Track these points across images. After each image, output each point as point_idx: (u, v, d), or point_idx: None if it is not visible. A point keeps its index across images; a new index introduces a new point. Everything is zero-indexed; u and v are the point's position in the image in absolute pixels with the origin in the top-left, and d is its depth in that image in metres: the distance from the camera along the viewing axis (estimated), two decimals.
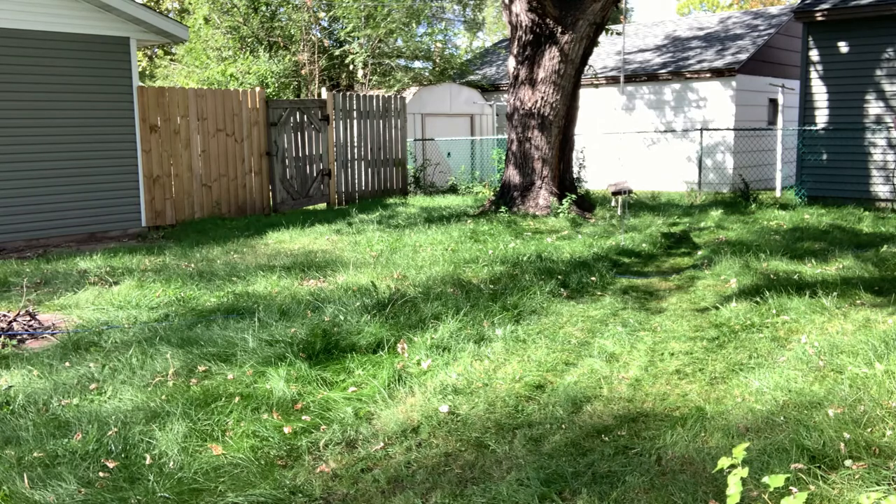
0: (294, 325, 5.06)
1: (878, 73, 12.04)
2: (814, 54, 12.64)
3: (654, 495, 2.83)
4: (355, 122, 14.04)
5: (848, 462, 2.93)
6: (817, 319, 5.05)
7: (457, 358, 4.49)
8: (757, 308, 5.39)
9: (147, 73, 24.16)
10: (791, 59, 16.90)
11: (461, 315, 5.20)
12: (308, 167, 13.20)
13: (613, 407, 3.77)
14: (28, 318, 5.53)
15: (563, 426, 3.56)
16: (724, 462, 2.13)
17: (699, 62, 16.85)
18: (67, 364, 4.56)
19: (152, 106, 10.95)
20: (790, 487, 2.71)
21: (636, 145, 17.05)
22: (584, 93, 12.71)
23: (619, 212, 10.78)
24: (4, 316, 5.51)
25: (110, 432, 3.49)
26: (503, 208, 11.13)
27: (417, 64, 22.24)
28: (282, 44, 21.23)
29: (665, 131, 16.61)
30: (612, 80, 17.66)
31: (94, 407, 3.87)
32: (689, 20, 21.91)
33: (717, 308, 5.56)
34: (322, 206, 13.47)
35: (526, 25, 11.03)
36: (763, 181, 15.45)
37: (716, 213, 10.71)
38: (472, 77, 20.40)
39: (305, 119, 13.06)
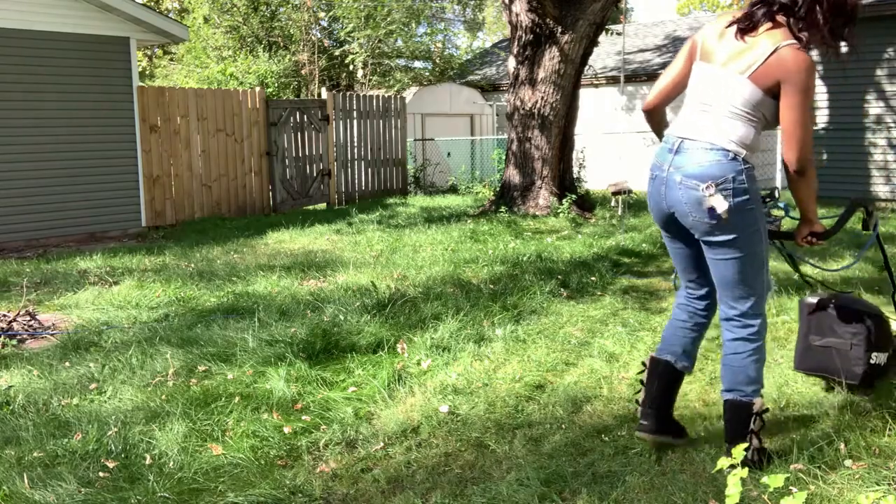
0: (294, 325, 5.06)
1: (878, 72, 12.04)
2: (814, 54, 12.62)
3: (654, 495, 2.83)
4: (355, 122, 14.04)
5: (848, 462, 2.93)
6: None
7: (457, 358, 4.49)
8: None
9: (147, 72, 24.16)
10: None
11: (461, 315, 5.20)
12: (308, 167, 13.19)
13: (613, 407, 3.77)
14: (28, 318, 5.53)
15: (563, 426, 3.55)
16: (723, 462, 2.13)
17: None
18: (67, 364, 4.56)
19: (152, 106, 10.94)
20: (790, 487, 2.71)
21: (636, 145, 17.04)
22: (584, 93, 12.73)
23: (619, 212, 10.78)
24: (4, 316, 5.51)
25: (110, 432, 3.49)
26: (503, 208, 11.13)
27: (417, 64, 22.25)
28: (282, 44, 21.22)
29: None
30: (612, 80, 17.66)
31: (94, 407, 3.87)
32: (689, 20, 21.92)
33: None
34: (322, 206, 13.47)
35: (526, 25, 11.03)
36: (763, 181, 15.44)
37: None
38: (472, 77, 20.39)
39: (305, 119, 13.06)
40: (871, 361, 3.53)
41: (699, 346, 3.26)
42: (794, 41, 2.73)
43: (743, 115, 2.82)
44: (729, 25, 2.85)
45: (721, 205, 2.80)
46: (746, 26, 2.79)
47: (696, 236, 2.99)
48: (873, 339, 3.53)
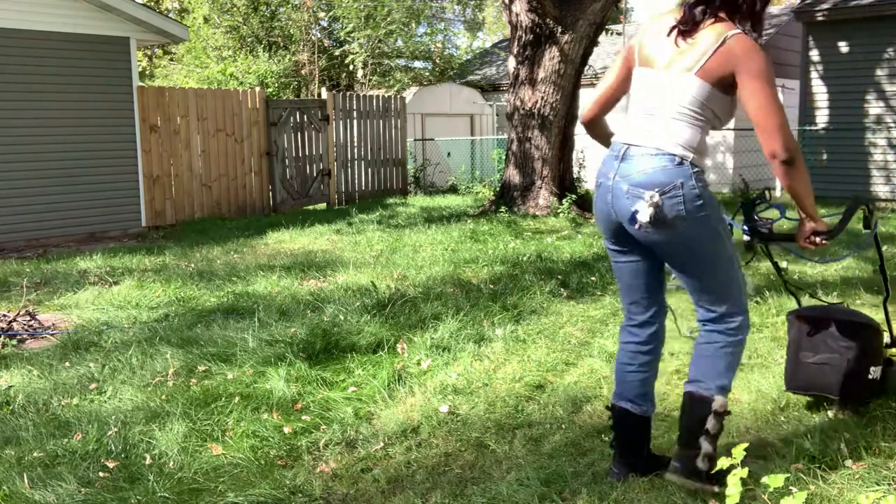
0: (294, 325, 5.07)
1: (879, 73, 12.04)
2: (814, 54, 12.63)
3: (654, 495, 2.82)
4: (355, 122, 14.04)
5: (848, 462, 2.93)
6: None
7: (457, 358, 4.49)
8: (757, 308, 5.39)
9: (147, 72, 24.16)
10: (791, 59, 16.88)
11: (461, 315, 5.20)
12: (308, 167, 13.19)
13: None
14: (28, 318, 5.53)
15: (563, 426, 3.56)
16: (723, 462, 2.13)
17: None
18: (67, 364, 4.56)
19: (152, 106, 10.94)
20: (790, 487, 2.71)
21: None
22: (584, 93, 12.74)
23: None
24: (4, 316, 5.51)
25: (110, 432, 3.49)
26: (503, 208, 11.13)
27: (417, 64, 22.25)
28: (282, 44, 21.22)
29: None
30: None
31: (94, 407, 3.87)
32: None
33: None
34: (322, 206, 13.47)
35: (526, 25, 11.03)
36: (763, 181, 15.40)
37: None
38: (472, 77, 20.39)
39: (305, 119, 13.06)
40: (869, 376, 3.35)
41: (654, 384, 3.00)
42: (738, 30, 2.60)
43: (690, 116, 2.65)
44: (669, 32, 2.69)
45: (644, 215, 2.60)
46: (688, 29, 2.64)
47: (653, 248, 2.78)
48: (870, 352, 3.35)
